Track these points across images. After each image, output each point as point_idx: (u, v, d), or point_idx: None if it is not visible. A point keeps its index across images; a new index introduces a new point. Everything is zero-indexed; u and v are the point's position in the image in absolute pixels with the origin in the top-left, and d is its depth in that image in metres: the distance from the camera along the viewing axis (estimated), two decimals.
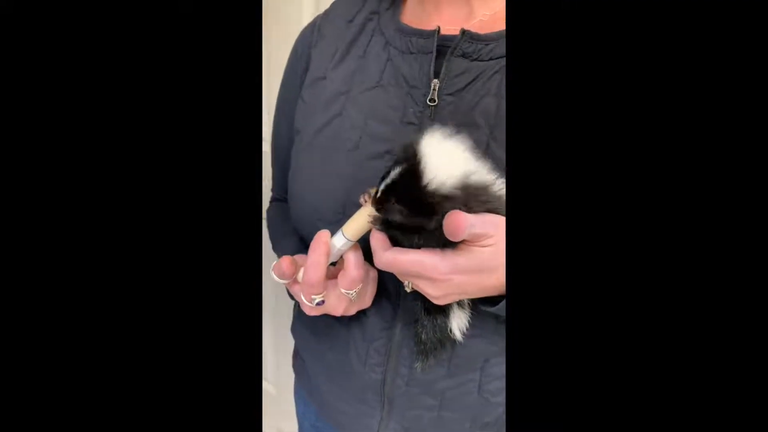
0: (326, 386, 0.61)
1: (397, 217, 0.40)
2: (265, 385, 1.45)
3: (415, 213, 0.39)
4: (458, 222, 0.36)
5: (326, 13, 0.60)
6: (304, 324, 0.65)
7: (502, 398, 0.53)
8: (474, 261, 0.39)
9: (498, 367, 0.52)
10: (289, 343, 0.71)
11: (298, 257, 0.48)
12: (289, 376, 0.75)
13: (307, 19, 0.62)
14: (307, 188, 0.54)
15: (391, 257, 0.40)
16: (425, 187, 0.38)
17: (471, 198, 0.39)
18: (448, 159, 0.38)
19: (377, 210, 0.41)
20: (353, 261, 0.45)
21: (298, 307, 0.69)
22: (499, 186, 0.41)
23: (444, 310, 0.47)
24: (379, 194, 0.40)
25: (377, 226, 0.42)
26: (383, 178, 0.40)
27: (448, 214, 0.36)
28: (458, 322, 0.47)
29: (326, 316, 0.56)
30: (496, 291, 0.42)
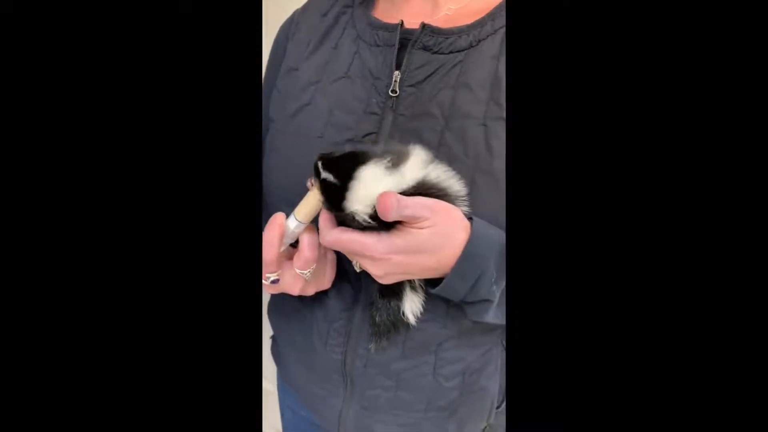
0: (297, 369, 0.63)
1: (329, 192, 0.43)
2: (264, 383, 1.47)
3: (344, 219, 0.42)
4: (387, 202, 0.38)
5: (304, 7, 0.63)
6: (276, 309, 0.67)
7: (455, 383, 0.54)
8: (411, 242, 0.41)
9: (451, 352, 0.53)
10: None
11: None
12: None
13: None
14: (276, 172, 0.56)
15: (335, 236, 0.42)
16: (344, 210, 0.42)
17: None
18: (367, 186, 0.41)
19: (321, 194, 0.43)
20: (307, 242, 0.47)
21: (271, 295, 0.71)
22: (437, 173, 0.43)
23: (397, 293, 0.48)
24: (314, 169, 0.43)
25: (325, 206, 0.44)
26: (318, 166, 0.43)
27: (380, 194, 0.38)
28: (411, 306, 0.48)
29: (293, 300, 0.59)
30: (437, 273, 0.44)
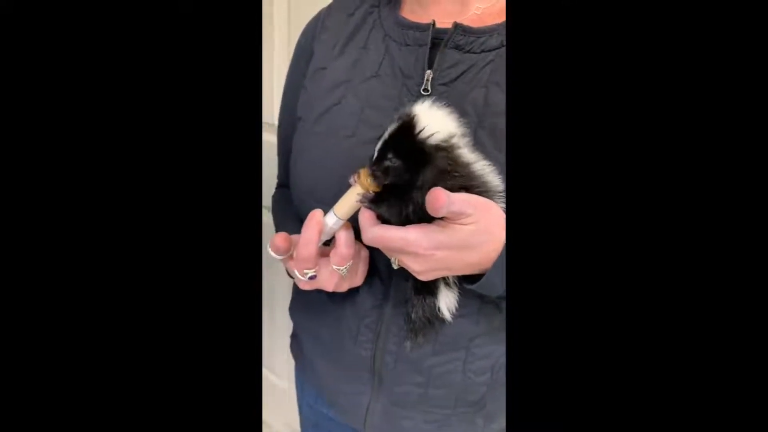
0: (322, 365, 0.63)
1: (391, 177, 0.43)
2: (275, 379, 1.48)
3: (411, 162, 0.42)
4: (438, 197, 0.38)
5: (329, 7, 0.63)
6: (300, 304, 0.68)
7: (485, 378, 0.55)
8: (454, 238, 0.41)
9: (482, 348, 0.54)
10: None
11: (294, 236, 0.51)
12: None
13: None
14: (306, 171, 0.57)
15: (377, 233, 0.43)
16: (418, 134, 0.41)
17: (455, 161, 0.42)
18: (437, 117, 0.42)
19: (373, 175, 0.44)
20: (344, 239, 0.48)
21: (295, 289, 0.72)
22: (480, 166, 0.43)
23: (432, 290, 0.49)
24: (375, 155, 0.43)
25: (366, 204, 0.44)
26: (378, 140, 0.43)
27: (430, 191, 0.38)
28: (446, 302, 0.49)
29: (321, 296, 0.59)
30: (478, 268, 0.44)
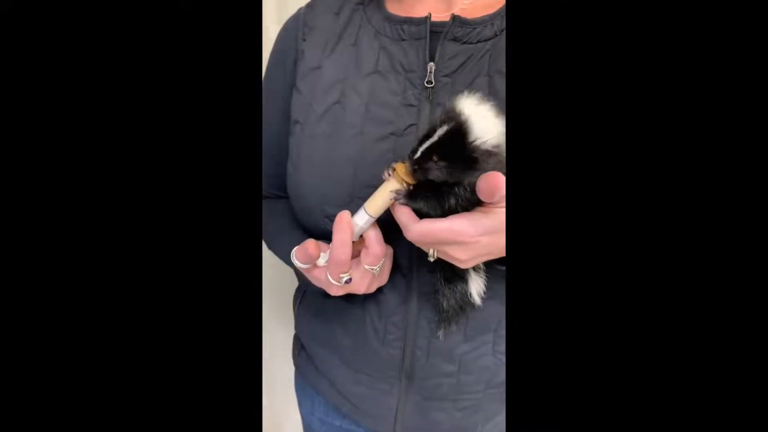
0: (341, 374, 0.62)
1: (436, 175, 0.42)
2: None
3: (458, 167, 0.42)
4: (497, 182, 0.38)
5: (310, 6, 0.62)
6: (310, 315, 0.66)
7: None
8: (496, 221, 0.42)
9: None
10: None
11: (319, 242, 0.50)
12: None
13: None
14: (313, 176, 0.55)
15: (425, 228, 0.43)
16: (472, 142, 0.41)
17: (502, 163, 0.42)
18: (487, 119, 0.42)
19: (413, 170, 0.43)
20: (374, 237, 0.47)
21: (300, 303, 0.70)
22: None
23: (462, 277, 0.49)
24: (419, 155, 0.42)
25: (402, 201, 0.44)
26: (422, 141, 0.42)
27: (486, 174, 0.39)
28: (476, 287, 0.50)
29: (337, 303, 0.58)
30: None
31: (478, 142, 0.40)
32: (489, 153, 0.40)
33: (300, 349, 0.71)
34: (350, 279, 0.48)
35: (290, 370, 0.74)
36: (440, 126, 0.41)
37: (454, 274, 0.49)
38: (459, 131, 0.40)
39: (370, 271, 0.48)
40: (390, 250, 0.52)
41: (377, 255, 0.47)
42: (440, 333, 0.53)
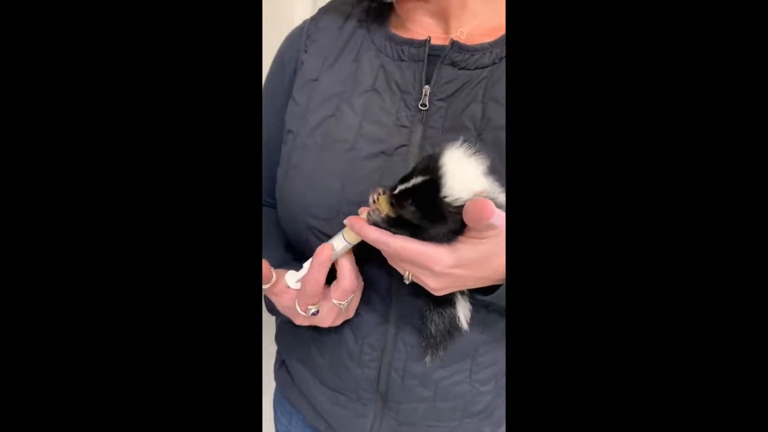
0: (318, 392, 0.60)
1: (409, 217, 0.42)
2: None
3: (427, 218, 0.42)
4: (485, 210, 0.38)
5: (314, 19, 0.62)
6: (288, 332, 0.64)
7: (490, 387, 0.56)
8: (476, 253, 0.42)
9: (486, 356, 0.55)
10: None
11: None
12: None
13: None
14: (301, 186, 0.54)
15: (400, 244, 0.42)
16: (443, 198, 0.40)
17: None
18: (466, 176, 0.41)
19: (392, 204, 0.43)
20: (348, 270, 0.48)
21: (280, 318, 0.68)
22: (501, 200, 0.44)
23: (451, 302, 0.49)
24: (396, 193, 0.42)
25: (383, 226, 0.44)
26: (402, 181, 0.42)
27: (474, 201, 0.39)
28: (464, 312, 0.50)
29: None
30: (490, 281, 0.45)
31: (448, 200, 0.40)
32: (458, 210, 0.40)
33: (281, 363, 0.70)
34: (317, 311, 0.48)
35: None
36: (417, 174, 0.42)
37: (444, 299, 0.49)
38: (432, 185, 0.40)
39: (337, 306, 0.48)
40: (361, 283, 0.52)
41: (347, 291, 0.48)
42: (428, 359, 0.52)
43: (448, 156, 0.41)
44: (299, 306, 0.49)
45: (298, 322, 0.52)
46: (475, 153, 0.42)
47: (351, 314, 0.54)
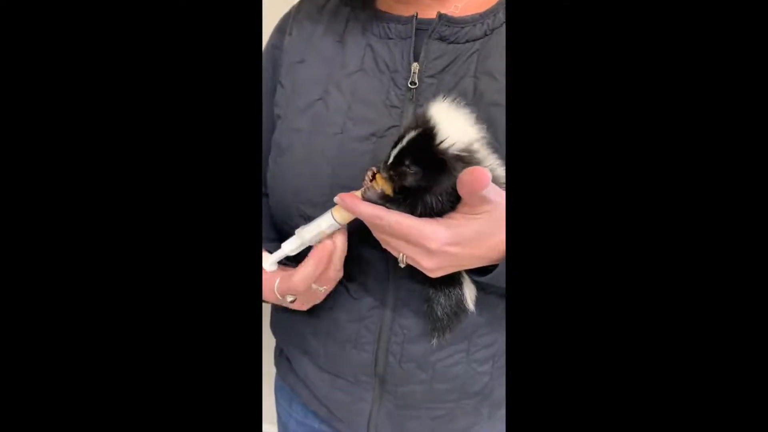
0: (316, 378, 0.60)
1: (410, 181, 0.41)
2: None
3: (429, 171, 0.41)
4: (482, 178, 0.37)
5: (298, 6, 0.60)
6: (283, 320, 0.64)
7: (487, 367, 0.56)
8: (471, 229, 0.41)
9: (484, 337, 0.54)
10: None
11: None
12: None
13: None
14: (290, 171, 0.53)
15: (395, 218, 0.41)
16: (439, 145, 0.40)
17: (475, 165, 0.41)
18: (457, 124, 0.41)
19: (389, 177, 0.42)
20: (339, 261, 0.48)
21: (274, 306, 0.67)
22: (491, 161, 0.44)
23: (457, 282, 0.48)
24: (391, 160, 0.41)
25: (379, 202, 0.43)
26: (395, 146, 0.41)
27: (469, 169, 0.38)
28: (470, 292, 0.49)
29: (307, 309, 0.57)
30: (486, 261, 0.44)
31: (444, 145, 0.40)
32: (457, 157, 0.40)
33: (280, 351, 0.69)
34: (294, 300, 0.49)
35: None
36: (409, 132, 0.41)
37: (448, 279, 0.47)
38: (426, 135, 0.40)
39: (317, 291, 0.48)
40: (340, 274, 0.51)
41: (331, 280, 0.47)
42: (434, 341, 0.51)
43: (435, 108, 0.41)
44: (278, 292, 0.49)
45: (270, 300, 0.52)
46: (456, 103, 0.42)
47: (321, 298, 0.53)
